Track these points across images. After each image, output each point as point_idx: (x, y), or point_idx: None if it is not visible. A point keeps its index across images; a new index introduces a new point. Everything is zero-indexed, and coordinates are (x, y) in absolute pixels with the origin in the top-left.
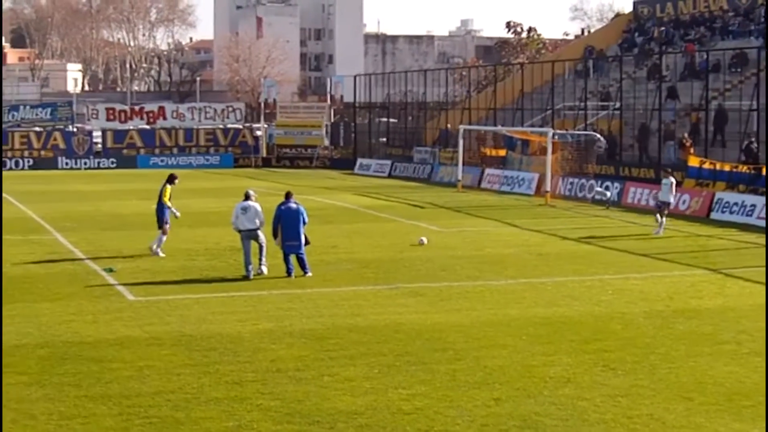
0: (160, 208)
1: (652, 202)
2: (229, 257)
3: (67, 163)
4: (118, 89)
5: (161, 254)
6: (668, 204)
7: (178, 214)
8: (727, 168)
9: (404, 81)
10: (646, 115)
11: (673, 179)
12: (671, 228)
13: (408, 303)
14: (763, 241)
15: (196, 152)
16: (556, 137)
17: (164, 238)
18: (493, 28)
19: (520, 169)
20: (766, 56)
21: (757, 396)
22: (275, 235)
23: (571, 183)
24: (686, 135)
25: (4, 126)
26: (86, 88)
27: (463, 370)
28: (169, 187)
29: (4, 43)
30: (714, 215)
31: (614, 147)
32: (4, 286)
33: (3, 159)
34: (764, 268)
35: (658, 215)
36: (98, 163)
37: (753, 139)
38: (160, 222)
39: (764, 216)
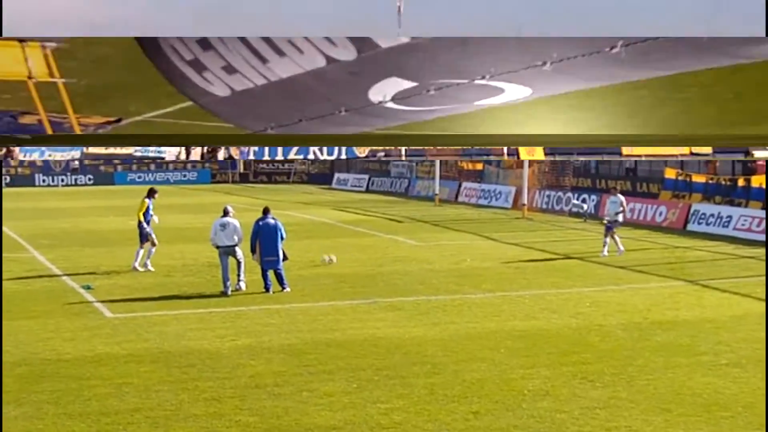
0: (139, 223)
1: (629, 215)
2: (207, 273)
3: (44, 180)
4: None
5: (142, 269)
6: (616, 223)
7: (156, 219)
8: (702, 180)
9: None
10: None
11: (621, 197)
12: (648, 240)
13: (386, 317)
14: (740, 252)
15: (173, 168)
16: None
17: (153, 250)
18: None
19: (497, 182)
20: None
21: (735, 407)
22: (253, 251)
23: (548, 196)
24: None
25: None
26: None
27: (442, 383)
28: (147, 201)
29: None
30: (690, 227)
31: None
32: None
33: None
34: (740, 280)
35: (607, 237)
36: (75, 180)
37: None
38: (140, 237)
39: (741, 227)
